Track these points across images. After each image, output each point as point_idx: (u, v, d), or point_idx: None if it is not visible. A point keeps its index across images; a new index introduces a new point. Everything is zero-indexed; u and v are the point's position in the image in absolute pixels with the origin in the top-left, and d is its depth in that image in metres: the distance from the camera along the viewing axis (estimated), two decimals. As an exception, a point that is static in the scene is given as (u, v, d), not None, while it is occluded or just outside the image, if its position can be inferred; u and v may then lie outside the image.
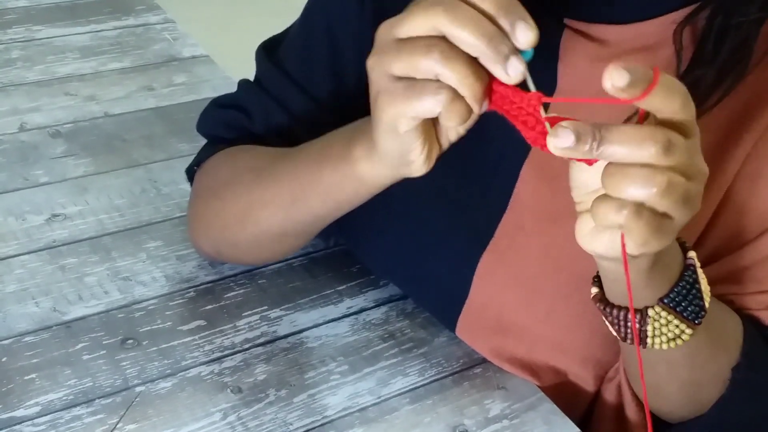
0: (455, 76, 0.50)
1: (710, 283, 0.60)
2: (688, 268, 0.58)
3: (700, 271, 0.59)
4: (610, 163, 0.48)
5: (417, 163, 0.56)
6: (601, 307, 0.59)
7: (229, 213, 0.75)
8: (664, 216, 0.49)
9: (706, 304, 0.59)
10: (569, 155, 0.48)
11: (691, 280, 0.58)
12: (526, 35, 0.49)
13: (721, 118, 0.65)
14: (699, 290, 0.58)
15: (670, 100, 0.47)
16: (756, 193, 0.67)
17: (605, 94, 0.67)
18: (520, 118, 0.50)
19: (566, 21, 0.68)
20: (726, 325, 0.66)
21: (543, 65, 0.68)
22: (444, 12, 0.49)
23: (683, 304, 0.58)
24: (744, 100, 0.66)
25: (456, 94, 0.51)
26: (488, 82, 0.51)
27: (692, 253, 0.58)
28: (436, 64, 0.50)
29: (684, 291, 0.57)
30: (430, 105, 0.51)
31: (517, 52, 0.49)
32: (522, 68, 0.49)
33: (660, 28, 0.66)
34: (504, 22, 0.49)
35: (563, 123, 0.47)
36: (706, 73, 0.63)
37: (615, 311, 0.58)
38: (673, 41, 0.64)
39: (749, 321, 0.68)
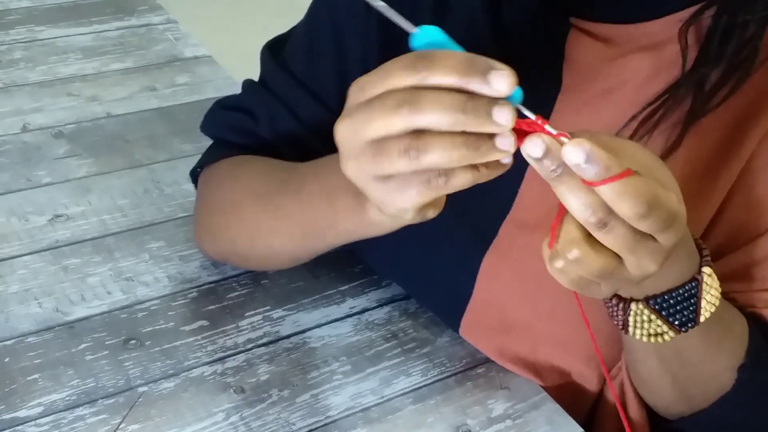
0: (441, 161, 0.48)
1: None
2: (692, 281, 0.58)
3: (707, 285, 0.58)
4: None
5: (430, 214, 0.55)
6: None
7: (235, 232, 0.75)
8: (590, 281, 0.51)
9: (701, 318, 0.59)
10: (531, 163, 0.48)
11: (687, 294, 0.58)
12: (501, 83, 0.46)
13: (727, 116, 0.65)
14: (694, 304, 0.58)
15: (621, 205, 0.47)
16: (761, 190, 0.67)
17: (610, 93, 0.67)
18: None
19: (572, 20, 0.68)
20: (731, 329, 0.66)
21: (549, 65, 0.68)
22: (409, 111, 0.47)
23: (671, 310, 0.58)
24: (749, 99, 0.65)
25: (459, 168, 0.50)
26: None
27: (707, 269, 0.58)
28: (418, 161, 0.48)
29: (675, 300, 0.58)
30: (432, 192, 0.51)
31: (496, 100, 0.47)
32: (510, 113, 0.47)
33: (665, 27, 0.66)
34: (473, 85, 0.47)
35: (545, 136, 0.48)
36: (712, 72, 0.63)
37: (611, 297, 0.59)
38: (679, 40, 0.64)
39: (753, 319, 0.68)
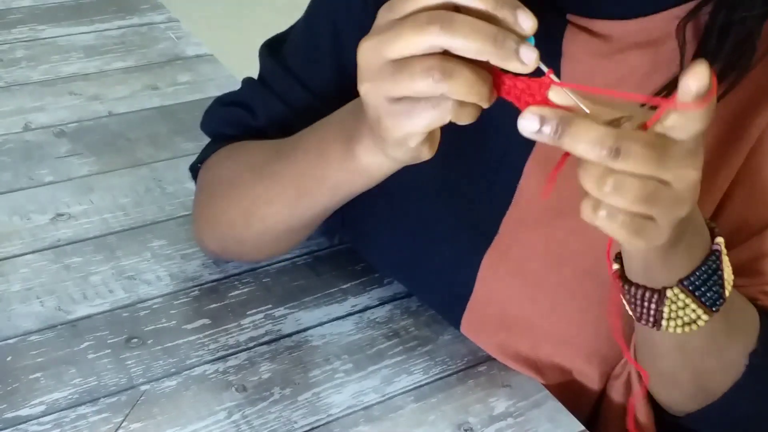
0: (461, 90, 0.49)
1: None
2: (713, 253, 0.57)
3: (725, 258, 0.58)
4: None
5: (425, 152, 0.56)
6: (620, 284, 0.59)
7: (233, 211, 0.75)
8: (644, 217, 0.49)
9: (726, 293, 0.58)
10: (535, 138, 0.48)
11: (714, 266, 0.57)
12: (528, 22, 0.48)
13: (725, 112, 0.65)
14: (720, 277, 0.57)
15: (698, 123, 0.47)
16: (761, 185, 0.66)
17: (609, 89, 0.67)
18: (527, 103, 0.50)
19: (569, 17, 0.68)
20: (745, 313, 0.65)
21: (546, 61, 0.68)
22: (441, 29, 0.48)
23: (702, 288, 0.57)
24: (747, 95, 0.65)
25: (462, 101, 0.50)
26: (493, 74, 0.51)
27: (720, 239, 0.58)
28: (439, 84, 0.49)
29: (705, 276, 0.57)
30: (439, 119, 0.51)
31: (524, 40, 0.49)
32: (535, 54, 0.48)
33: (663, 23, 0.65)
34: (505, 15, 0.48)
35: (532, 107, 0.48)
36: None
37: (632, 289, 0.58)
38: (676, 36, 0.64)
39: (763, 311, 0.67)
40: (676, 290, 0.57)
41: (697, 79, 0.45)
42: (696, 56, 0.63)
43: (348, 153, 0.61)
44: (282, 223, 0.72)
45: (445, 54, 0.49)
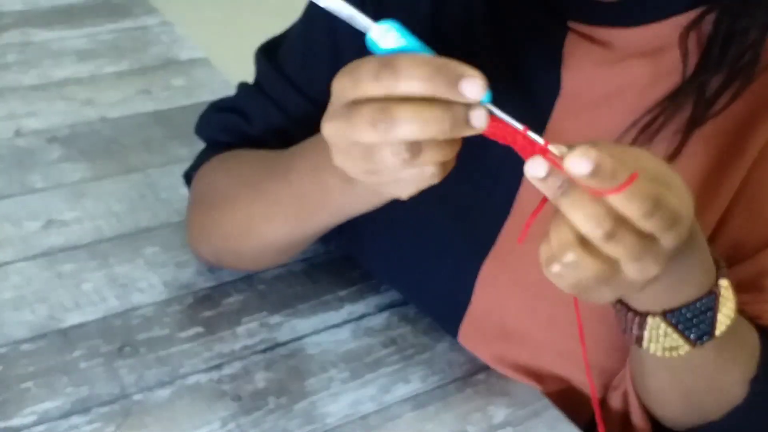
0: (435, 158, 0.50)
1: None
2: (710, 294, 0.57)
3: (723, 299, 0.58)
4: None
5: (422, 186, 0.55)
6: (612, 302, 0.59)
7: (229, 225, 0.74)
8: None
9: (717, 332, 0.58)
10: (534, 183, 0.48)
11: (705, 307, 0.57)
12: (474, 90, 0.47)
13: (728, 123, 0.65)
14: (712, 317, 0.57)
15: (630, 207, 0.47)
16: (764, 199, 0.66)
17: (609, 99, 0.67)
18: (518, 147, 0.50)
19: (570, 24, 0.67)
20: (745, 342, 0.65)
21: (547, 69, 0.67)
22: (388, 128, 0.48)
23: (687, 324, 0.57)
24: (751, 106, 0.65)
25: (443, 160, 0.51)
26: None
27: (723, 282, 0.58)
28: (413, 160, 0.49)
29: (692, 313, 0.57)
30: (405, 191, 0.53)
31: (472, 105, 0.48)
32: (484, 117, 0.48)
33: (666, 31, 0.65)
34: (444, 93, 0.47)
35: (540, 157, 0.48)
36: (713, 78, 0.62)
37: (623, 308, 0.59)
38: (679, 45, 0.64)
39: (762, 330, 0.67)
40: (658, 319, 0.57)
41: (570, 163, 0.46)
42: (699, 66, 0.63)
43: (346, 182, 0.59)
44: (282, 239, 0.72)
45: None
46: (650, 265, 0.49)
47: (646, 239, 0.48)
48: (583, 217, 0.47)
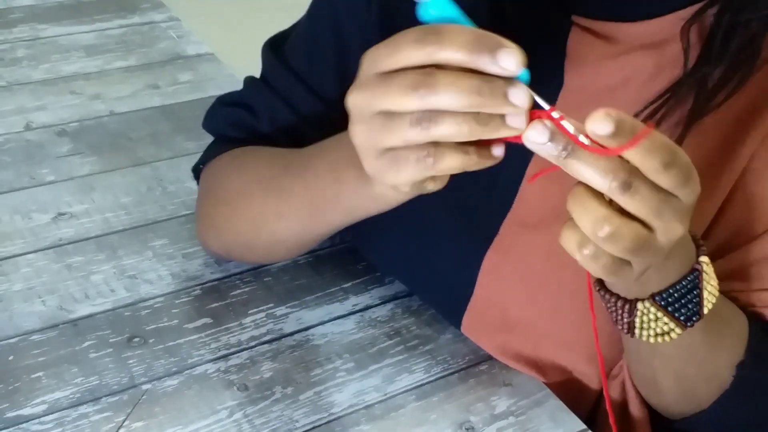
0: (451, 134, 0.49)
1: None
2: (693, 271, 0.58)
3: (707, 276, 0.58)
4: (579, 185, 0.49)
5: (430, 187, 0.56)
6: (601, 294, 0.60)
7: (240, 220, 0.75)
8: (624, 261, 0.50)
9: (704, 310, 0.59)
10: (537, 151, 0.48)
11: (691, 285, 0.58)
12: (511, 62, 0.47)
13: (728, 115, 0.65)
14: (698, 295, 0.58)
15: (649, 160, 0.47)
16: (762, 190, 0.66)
17: (612, 91, 0.67)
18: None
19: (573, 18, 0.68)
20: (731, 325, 0.66)
21: (550, 62, 0.68)
22: (427, 92, 0.48)
23: (676, 305, 0.58)
24: (751, 98, 0.65)
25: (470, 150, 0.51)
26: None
27: (704, 258, 0.58)
28: (430, 132, 0.49)
29: (680, 293, 0.57)
30: (421, 173, 0.51)
31: (512, 81, 0.48)
32: (526, 94, 0.48)
33: (668, 25, 0.65)
34: (484, 64, 0.47)
35: (546, 121, 0.48)
36: (714, 71, 0.63)
37: (612, 298, 0.59)
38: (681, 39, 0.64)
39: (754, 318, 0.68)
40: (647, 303, 0.58)
41: (596, 125, 0.46)
42: (700, 59, 0.63)
43: (361, 180, 0.59)
44: (294, 237, 0.73)
45: None
46: (673, 222, 0.49)
47: (663, 193, 0.48)
48: (596, 171, 0.47)
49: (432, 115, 0.49)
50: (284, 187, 0.70)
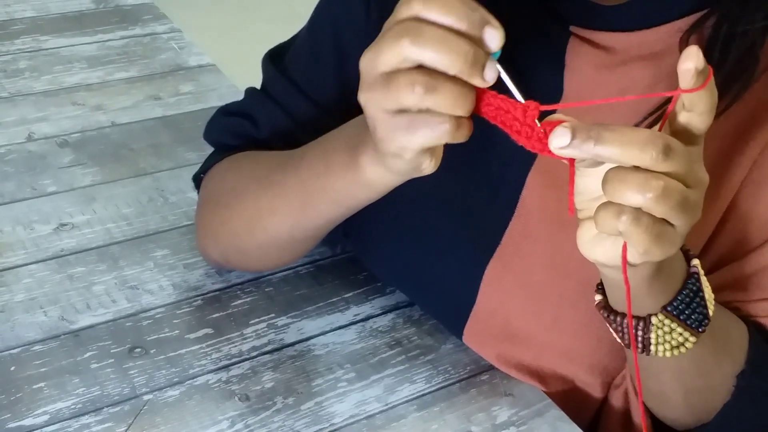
0: (446, 104, 0.51)
1: (716, 290, 0.60)
2: (691, 276, 0.58)
3: (704, 279, 0.59)
4: (610, 168, 0.48)
5: (426, 167, 0.56)
6: (605, 315, 0.59)
7: (237, 221, 0.75)
8: (665, 223, 0.49)
9: (710, 312, 0.59)
10: (569, 154, 0.48)
11: (694, 288, 0.58)
12: (495, 40, 0.50)
13: (728, 125, 0.65)
14: (702, 298, 0.58)
15: (711, 99, 0.49)
16: (761, 200, 0.67)
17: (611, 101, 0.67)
18: (514, 128, 0.51)
19: (572, 28, 0.68)
20: (730, 333, 0.66)
21: (549, 73, 0.68)
22: (410, 43, 0.50)
23: (686, 312, 0.58)
24: (750, 108, 0.66)
25: (458, 119, 0.51)
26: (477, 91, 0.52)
27: (696, 261, 0.58)
28: (423, 98, 0.50)
29: (687, 299, 0.58)
30: (434, 139, 0.52)
31: (489, 56, 0.50)
32: (495, 73, 0.50)
33: (666, 35, 0.66)
34: (474, 32, 0.50)
35: (561, 122, 0.48)
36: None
37: (618, 318, 0.59)
38: (679, 49, 0.64)
39: (755, 328, 0.68)
40: (661, 316, 0.58)
41: (692, 59, 0.47)
42: None
43: (352, 163, 0.61)
44: (285, 234, 0.72)
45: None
46: (701, 172, 0.51)
47: (689, 147, 0.50)
48: (633, 149, 0.47)
49: (427, 81, 0.50)
50: (277, 180, 0.71)
